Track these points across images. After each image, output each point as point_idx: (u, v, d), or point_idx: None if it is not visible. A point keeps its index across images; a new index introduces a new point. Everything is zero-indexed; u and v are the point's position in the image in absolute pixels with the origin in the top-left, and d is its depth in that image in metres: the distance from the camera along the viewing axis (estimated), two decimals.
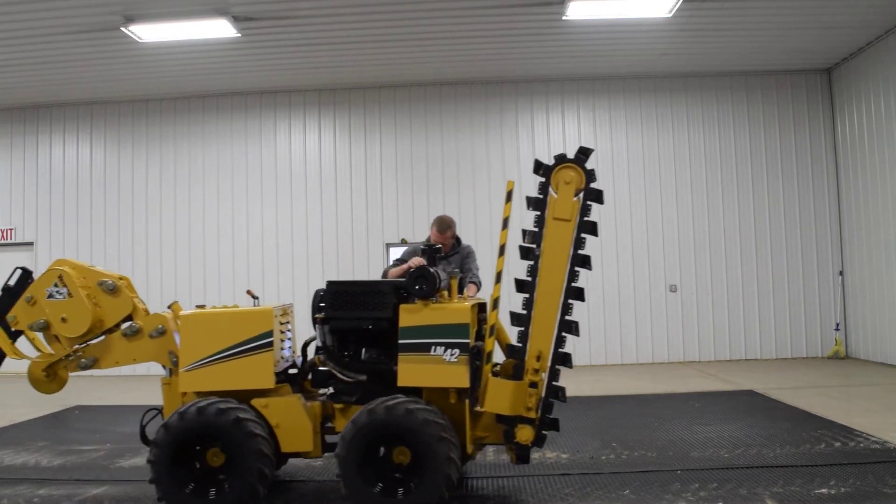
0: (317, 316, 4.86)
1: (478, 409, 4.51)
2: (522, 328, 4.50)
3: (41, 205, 13.24)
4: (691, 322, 12.35)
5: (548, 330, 4.46)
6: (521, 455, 4.55)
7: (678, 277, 12.39)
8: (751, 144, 12.54)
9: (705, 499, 4.69)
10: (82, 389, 10.90)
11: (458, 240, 6.17)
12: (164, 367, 5.06)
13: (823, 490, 4.75)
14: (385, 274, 5.94)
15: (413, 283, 4.58)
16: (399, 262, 5.99)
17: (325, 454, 4.94)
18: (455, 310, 4.58)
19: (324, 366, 4.82)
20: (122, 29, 9.62)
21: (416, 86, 12.76)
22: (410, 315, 4.57)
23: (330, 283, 4.86)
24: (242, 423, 4.44)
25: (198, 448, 4.58)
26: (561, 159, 4.56)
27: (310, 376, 5.00)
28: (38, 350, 5.11)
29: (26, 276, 5.01)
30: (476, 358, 4.57)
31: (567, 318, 4.49)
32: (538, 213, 4.58)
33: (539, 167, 4.63)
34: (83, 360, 4.99)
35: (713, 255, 12.41)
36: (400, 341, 4.55)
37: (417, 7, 9.51)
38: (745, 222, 12.44)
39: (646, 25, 10.27)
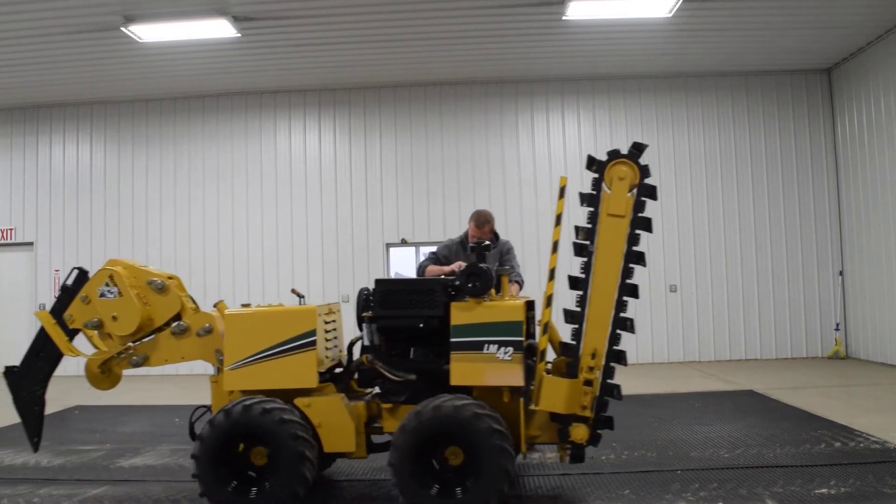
0: (364, 315, 4.83)
1: (532, 407, 4.46)
2: (576, 325, 4.47)
3: (41, 205, 13.24)
4: (691, 322, 12.35)
5: (603, 327, 4.42)
6: (576, 454, 4.50)
7: (678, 277, 12.40)
8: (751, 144, 12.54)
9: (705, 499, 4.69)
10: (82, 389, 10.90)
11: (496, 235, 6.02)
12: (211, 365, 5.09)
13: (823, 490, 4.74)
14: (421, 269, 5.83)
15: (466, 280, 4.53)
16: (433, 256, 5.90)
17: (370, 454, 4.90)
18: (508, 307, 4.53)
19: (371, 365, 4.77)
20: (122, 29, 9.61)
21: (416, 86, 12.77)
22: (462, 313, 4.53)
23: (379, 282, 4.83)
24: (285, 424, 4.41)
25: (242, 447, 4.56)
26: (614, 155, 4.54)
27: (355, 376, 4.96)
28: (96, 347, 5.19)
29: (83, 275, 5.12)
30: (529, 356, 4.53)
31: (622, 314, 4.45)
32: (591, 209, 4.53)
33: (592, 163, 4.60)
34: (134, 357, 5.06)
35: (713, 255, 12.41)
36: (452, 339, 4.50)
37: (417, 7, 9.51)
38: (745, 222, 12.44)
39: (646, 25, 10.27)
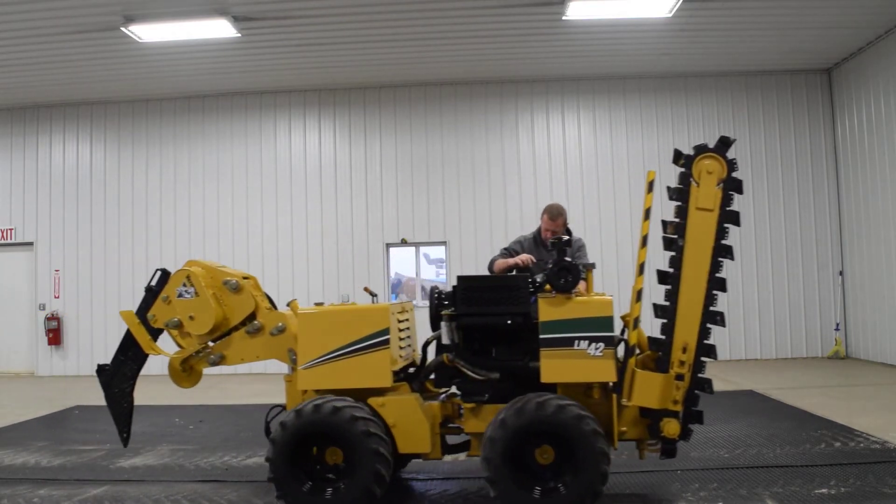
0: (444, 313, 4.74)
1: (624, 402, 4.43)
2: (666, 320, 4.46)
3: (41, 205, 13.25)
4: None
5: (693, 321, 4.41)
6: (668, 449, 4.49)
7: None
8: (751, 144, 12.54)
9: (705, 499, 4.69)
10: (82, 389, 10.91)
11: (567, 230, 5.91)
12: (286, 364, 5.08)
13: (823, 490, 4.74)
14: (491, 264, 5.73)
15: (557, 276, 4.49)
16: (505, 251, 5.82)
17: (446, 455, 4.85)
18: (599, 303, 4.51)
19: (452, 364, 4.68)
20: (122, 29, 9.61)
21: (416, 86, 12.77)
22: (552, 309, 4.47)
23: (461, 279, 4.75)
24: (358, 423, 4.34)
25: (316, 447, 4.51)
26: (702, 149, 4.51)
27: (432, 375, 4.90)
28: (179, 346, 5.23)
29: (165, 276, 5.16)
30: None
31: (711, 308, 4.44)
32: (679, 203, 4.51)
33: (679, 157, 4.57)
34: (212, 356, 5.09)
35: None
36: (541, 336, 4.44)
37: (417, 7, 9.51)
38: (745, 222, 12.33)
39: (646, 25, 10.27)
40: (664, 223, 4.55)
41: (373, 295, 5.45)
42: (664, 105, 12.65)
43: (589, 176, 12.61)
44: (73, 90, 12.51)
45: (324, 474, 4.50)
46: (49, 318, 12.92)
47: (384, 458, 4.36)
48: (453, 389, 4.84)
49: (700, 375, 4.42)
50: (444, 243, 12.72)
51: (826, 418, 7.07)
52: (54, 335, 12.87)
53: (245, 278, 5.14)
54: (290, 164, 12.95)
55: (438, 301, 4.86)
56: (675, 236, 4.49)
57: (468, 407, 4.67)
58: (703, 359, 4.42)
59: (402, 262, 13.04)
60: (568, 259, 4.56)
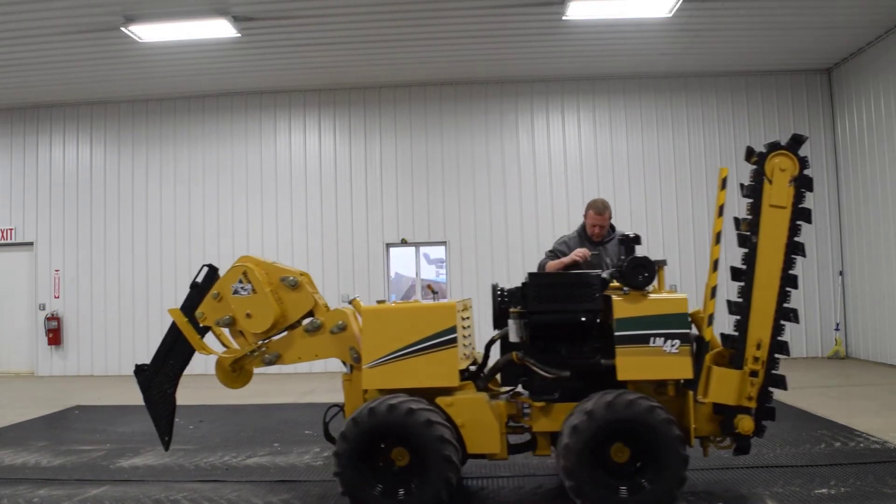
0: (512, 310, 4.67)
1: (700, 399, 4.43)
2: (739, 317, 4.48)
3: (41, 205, 13.25)
4: None
5: (767, 318, 4.45)
6: (742, 446, 4.50)
7: (678, 277, 12.37)
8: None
9: (705, 498, 4.69)
10: (82, 389, 10.91)
11: (611, 226, 5.84)
12: (343, 364, 4.98)
13: (823, 490, 4.75)
14: (541, 268, 5.63)
15: (633, 272, 4.48)
16: (551, 254, 5.73)
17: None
18: (674, 300, 4.51)
19: (522, 362, 4.62)
20: (122, 29, 9.61)
21: (416, 86, 12.77)
22: (627, 306, 4.45)
23: (532, 276, 4.71)
24: (432, 426, 4.29)
25: (382, 446, 4.46)
26: (774, 147, 4.55)
27: (497, 375, 4.85)
28: (225, 346, 5.11)
29: (213, 273, 5.02)
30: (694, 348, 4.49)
31: (785, 305, 4.47)
32: (751, 200, 4.56)
33: (752, 154, 4.62)
34: (267, 355, 4.94)
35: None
36: (616, 333, 4.42)
37: (417, 7, 9.51)
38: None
39: (646, 25, 10.27)
40: (736, 220, 4.62)
41: (434, 293, 5.36)
42: (664, 105, 12.65)
43: (589, 176, 12.61)
44: (73, 90, 12.51)
45: (388, 474, 4.44)
46: (49, 318, 12.92)
47: (455, 466, 4.32)
48: (519, 388, 4.77)
49: (773, 372, 4.46)
50: (444, 243, 12.72)
51: (826, 418, 7.07)
52: (54, 335, 12.88)
53: (301, 275, 4.99)
54: (291, 164, 12.95)
55: (503, 299, 4.80)
56: (749, 233, 4.54)
57: (538, 406, 4.60)
58: (776, 355, 4.46)
59: (402, 262, 13.04)
60: (644, 255, 4.55)
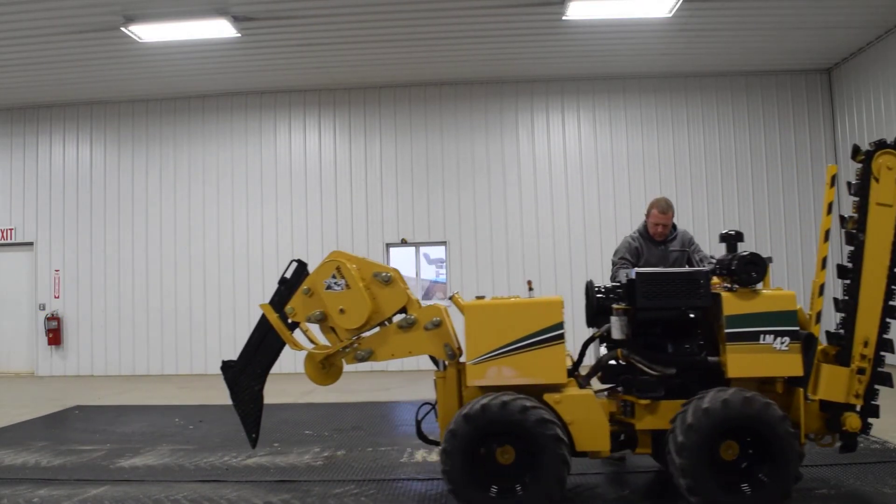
0: (615, 307, 4.62)
1: (811, 396, 4.43)
2: (845, 314, 4.51)
3: (41, 205, 13.25)
4: None
5: (874, 315, 4.46)
6: (849, 444, 4.49)
7: None
8: (751, 144, 12.54)
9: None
10: (82, 389, 10.92)
11: (674, 225, 5.81)
12: (434, 362, 4.92)
13: (823, 490, 4.74)
14: (615, 278, 5.57)
15: (744, 269, 4.47)
16: (623, 262, 5.66)
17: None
18: (784, 297, 4.50)
19: (627, 360, 4.57)
20: (122, 29, 9.62)
21: (416, 86, 12.77)
22: (736, 303, 4.44)
23: (640, 274, 4.62)
24: (546, 425, 4.23)
25: (486, 443, 4.38)
26: (881, 145, 4.53)
27: (599, 373, 4.77)
28: (312, 342, 5.07)
29: (302, 268, 4.96)
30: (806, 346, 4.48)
31: (891, 303, 4.48)
32: (857, 198, 4.55)
33: (857, 152, 4.59)
34: (359, 351, 4.88)
35: (713, 256, 12.38)
36: (726, 330, 4.40)
37: (417, 7, 9.51)
38: (746, 222, 12.43)
39: (646, 25, 10.27)
40: (842, 218, 4.61)
41: (530, 290, 5.31)
42: (664, 105, 12.66)
43: (589, 176, 12.61)
44: (73, 90, 12.52)
45: (492, 473, 4.35)
46: (49, 318, 12.92)
47: (568, 465, 4.26)
48: (619, 386, 4.72)
49: (880, 370, 4.46)
50: (444, 243, 12.72)
51: None
52: (54, 335, 12.88)
53: (394, 271, 4.93)
54: (291, 164, 12.95)
55: (606, 296, 4.76)
56: (855, 231, 4.54)
57: (643, 403, 4.53)
58: (882, 353, 4.47)
59: (403, 262, 13.03)
60: (755, 252, 4.53)
